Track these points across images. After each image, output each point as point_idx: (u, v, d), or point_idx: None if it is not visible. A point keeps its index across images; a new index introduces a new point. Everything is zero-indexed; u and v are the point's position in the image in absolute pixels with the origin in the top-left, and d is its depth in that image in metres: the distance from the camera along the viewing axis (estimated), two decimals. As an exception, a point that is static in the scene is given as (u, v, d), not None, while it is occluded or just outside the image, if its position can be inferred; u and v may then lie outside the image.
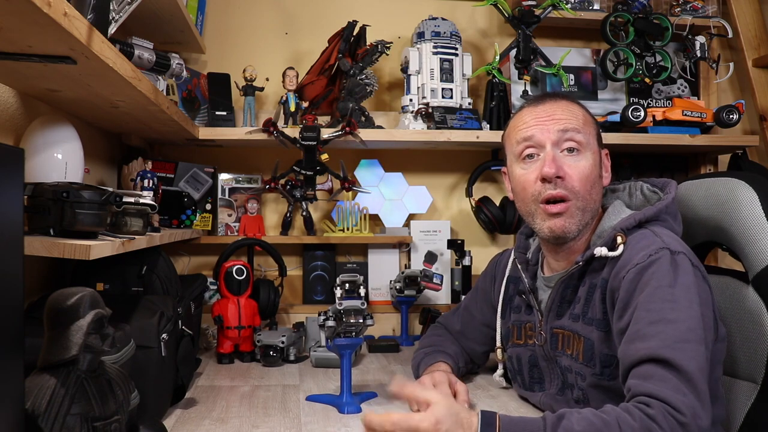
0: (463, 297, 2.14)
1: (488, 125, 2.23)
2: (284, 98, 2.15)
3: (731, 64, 2.39)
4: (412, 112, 2.20)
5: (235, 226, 2.26)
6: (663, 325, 1.07)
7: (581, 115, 1.31)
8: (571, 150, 1.27)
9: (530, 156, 1.29)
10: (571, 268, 1.27)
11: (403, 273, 2.16)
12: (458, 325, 1.64)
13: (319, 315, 1.53)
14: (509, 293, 1.49)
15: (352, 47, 2.19)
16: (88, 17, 1.07)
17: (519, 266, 1.43)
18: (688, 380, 1.01)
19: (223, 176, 2.27)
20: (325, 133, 2.10)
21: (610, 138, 2.14)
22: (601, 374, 1.20)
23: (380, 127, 2.21)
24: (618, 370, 1.14)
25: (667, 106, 2.35)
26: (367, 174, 2.34)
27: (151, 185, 1.66)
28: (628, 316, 1.12)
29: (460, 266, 2.23)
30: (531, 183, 1.28)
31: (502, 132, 2.15)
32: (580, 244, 1.31)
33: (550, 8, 2.23)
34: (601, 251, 1.21)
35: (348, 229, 2.27)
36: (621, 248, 1.19)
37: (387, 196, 2.35)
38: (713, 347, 1.16)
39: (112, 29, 1.26)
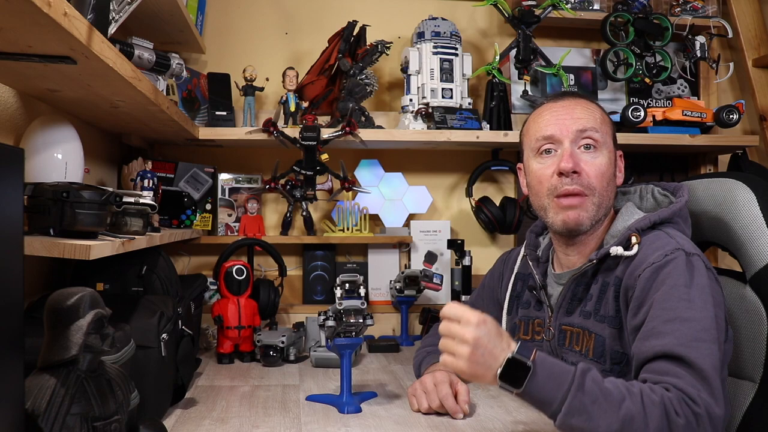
0: (464, 297, 2.14)
1: (488, 125, 2.23)
2: (284, 98, 2.15)
3: (731, 64, 2.39)
4: (412, 112, 2.20)
5: (235, 226, 2.27)
6: (678, 323, 1.09)
7: (599, 114, 1.34)
8: (588, 147, 1.30)
9: (548, 151, 1.32)
10: (584, 266, 1.29)
11: (403, 273, 2.16)
12: None
13: (319, 315, 1.53)
14: (517, 289, 1.50)
15: (352, 47, 2.19)
16: (88, 17, 1.07)
17: (530, 262, 1.45)
18: (703, 378, 1.04)
19: (223, 176, 2.27)
20: (325, 133, 2.10)
21: (609, 138, 2.13)
22: (611, 371, 1.22)
23: (380, 127, 2.21)
24: (627, 367, 1.18)
25: (667, 106, 2.35)
26: (367, 174, 2.34)
27: (151, 185, 1.66)
28: (643, 313, 1.14)
29: (460, 266, 2.23)
30: (547, 177, 1.31)
31: (502, 132, 2.19)
32: (591, 243, 1.33)
33: (550, 8, 2.23)
34: (617, 250, 1.23)
35: (348, 229, 2.27)
36: (636, 248, 1.22)
37: (387, 196, 2.35)
38: (723, 348, 1.17)
39: (112, 29, 1.26)
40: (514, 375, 1.03)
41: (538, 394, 1.03)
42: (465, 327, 1.07)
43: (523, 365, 1.02)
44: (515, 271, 1.52)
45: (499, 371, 1.03)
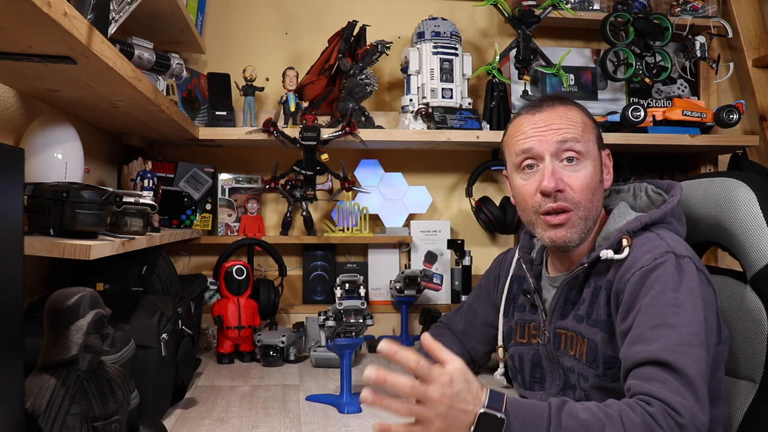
0: (464, 297, 2.14)
1: (488, 125, 2.23)
2: (284, 98, 2.15)
3: (731, 64, 2.39)
4: (412, 112, 2.20)
5: (235, 226, 2.27)
6: (665, 329, 1.08)
7: (580, 121, 1.30)
8: (570, 160, 1.26)
9: (530, 166, 1.29)
10: (575, 270, 1.28)
11: (403, 273, 2.16)
12: (461, 324, 1.64)
13: (319, 315, 1.53)
14: (513, 292, 1.49)
15: (352, 47, 2.19)
16: (88, 17, 1.07)
17: (523, 266, 1.44)
18: (688, 383, 1.02)
19: (223, 176, 2.27)
20: (325, 133, 2.10)
21: (610, 138, 2.14)
22: (604, 375, 1.21)
23: (380, 127, 2.21)
24: (620, 372, 1.15)
25: (667, 106, 2.35)
26: (367, 174, 2.34)
27: (151, 185, 1.67)
28: (632, 318, 1.13)
29: (460, 266, 2.24)
30: (531, 194, 1.28)
31: (502, 132, 2.18)
32: (584, 247, 1.31)
33: (550, 8, 2.23)
34: (607, 254, 1.21)
35: (348, 229, 2.27)
36: (626, 251, 1.20)
37: (387, 196, 2.35)
38: (716, 348, 1.17)
39: (112, 29, 1.26)
40: (488, 429, 0.97)
41: None
42: (434, 387, 0.96)
43: (496, 417, 0.97)
44: (511, 274, 1.51)
45: (472, 429, 0.97)
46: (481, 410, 0.97)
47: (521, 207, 1.33)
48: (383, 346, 0.99)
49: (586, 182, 1.26)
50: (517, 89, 2.34)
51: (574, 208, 1.25)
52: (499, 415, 0.97)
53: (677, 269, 1.13)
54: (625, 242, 1.21)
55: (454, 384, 0.97)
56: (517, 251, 1.51)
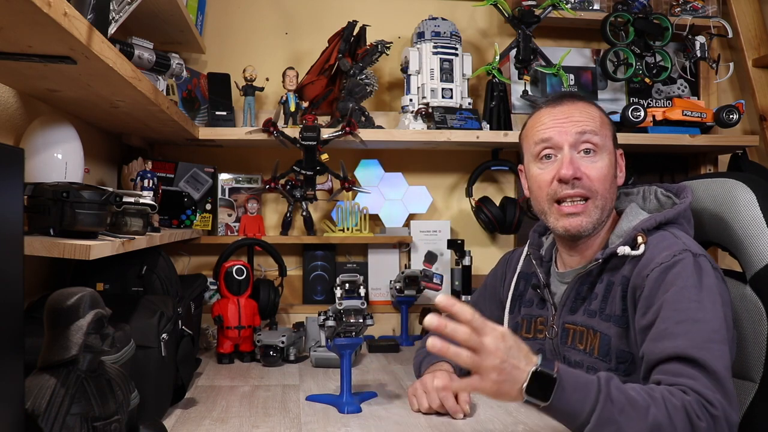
0: (464, 297, 2.14)
1: (488, 125, 2.23)
2: (284, 98, 2.15)
3: (731, 64, 2.39)
4: (412, 112, 2.20)
5: (235, 226, 2.27)
6: (690, 324, 1.10)
7: (598, 116, 1.34)
8: (587, 151, 1.30)
9: (548, 156, 1.32)
10: (590, 265, 1.30)
11: (403, 273, 2.16)
12: None
13: (319, 315, 1.53)
14: (519, 289, 1.51)
15: (352, 47, 2.19)
16: (88, 17, 1.07)
17: (533, 261, 1.45)
18: (716, 379, 1.05)
19: (223, 176, 2.27)
20: (325, 133, 2.10)
21: (610, 138, 2.14)
22: (616, 369, 1.23)
23: (380, 127, 2.21)
24: (633, 366, 1.18)
25: (667, 106, 2.35)
26: (367, 174, 2.34)
27: (151, 185, 1.66)
28: (653, 313, 1.15)
29: (460, 266, 2.23)
30: (547, 183, 1.31)
31: (502, 132, 2.19)
32: (595, 242, 1.33)
33: (550, 8, 2.23)
34: (624, 250, 1.24)
35: (348, 229, 2.27)
36: (642, 247, 1.22)
37: (387, 196, 2.35)
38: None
39: (112, 29, 1.26)
40: (540, 389, 0.99)
41: (565, 407, 1.00)
42: (489, 339, 0.99)
43: (549, 377, 0.99)
44: (518, 271, 1.53)
45: (524, 386, 0.99)
46: (535, 368, 1.00)
47: (535, 196, 1.36)
48: (441, 299, 1.02)
49: (602, 173, 1.29)
50: (517, 89, 2.34)
51: (591, 197, 1.28)
52: (552, 374, 1.00)
53: (695, 267, 1.16)
54: (640, 239, 1.23)
55: (507, 339, 1.01)
56: (525, 248, 1.52)
